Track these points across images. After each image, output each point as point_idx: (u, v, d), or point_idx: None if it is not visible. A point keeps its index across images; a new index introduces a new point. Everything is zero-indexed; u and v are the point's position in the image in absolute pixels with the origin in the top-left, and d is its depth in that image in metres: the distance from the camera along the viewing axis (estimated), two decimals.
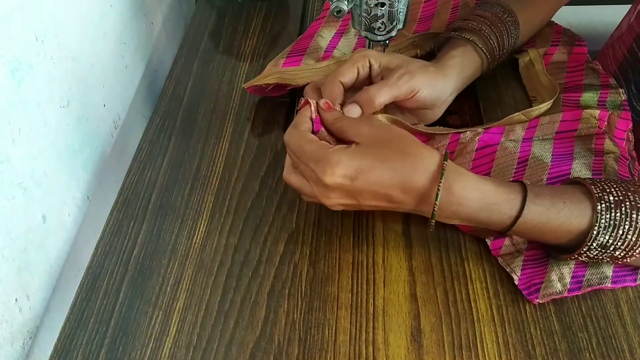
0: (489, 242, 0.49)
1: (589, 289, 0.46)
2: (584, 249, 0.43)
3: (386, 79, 0.51)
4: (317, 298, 0.47)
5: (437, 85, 0.53)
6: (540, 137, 0.56)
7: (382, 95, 0.50)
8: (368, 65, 0.52)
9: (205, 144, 0.60)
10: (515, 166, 0.53)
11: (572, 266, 0.47)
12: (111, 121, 0.65)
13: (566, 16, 0.69)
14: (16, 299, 0.47)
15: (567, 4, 0.65)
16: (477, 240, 0.50)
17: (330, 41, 0.67)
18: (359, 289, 0.47)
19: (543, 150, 0.54)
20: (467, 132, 0.55)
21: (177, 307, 0.47)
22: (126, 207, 0.54)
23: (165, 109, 0.64)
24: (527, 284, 0.47)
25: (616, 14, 0.74)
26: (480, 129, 0.56)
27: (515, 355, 0.43)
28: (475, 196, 0.44)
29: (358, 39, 0.68)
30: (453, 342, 0.44)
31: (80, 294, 0.48)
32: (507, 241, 0.49)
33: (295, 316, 0.46)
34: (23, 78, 0.47)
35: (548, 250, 0.48)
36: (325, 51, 0.65)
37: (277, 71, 0.62)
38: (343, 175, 0.42)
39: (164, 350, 0.44)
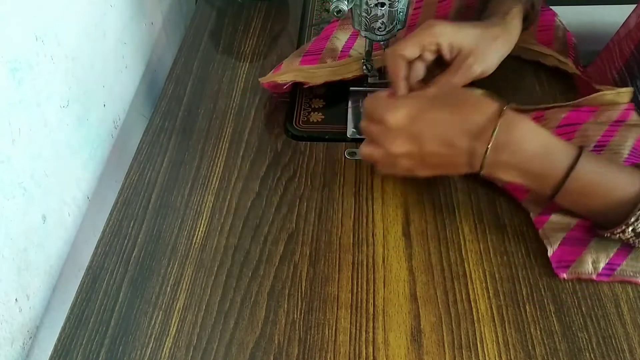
0: (533, 216, 0.49)
1: (619, 279, 0.46)
2: (632, 219, 0.43)
3: (453, 67, 0.53)
4: (317, 298, 0.47)
5: (502, 57, 0.55)
6: (631, 123, 0.54)
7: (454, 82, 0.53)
8: (435, 47, 0.53)
9: (205, 144, 0.60)
10: (590, 149, 0.52)
11: (611, 254, 0.46)
12: (111, 121, 0.65)
13: (566, 16, 0.69)
14: (16, 299, 0.47)
15: (567, 4, 0.65)
16: (477, 240, 0.50)
17: (345, 42, 0.68)
18: (359, 289, 0.47)
19: (624, 139, 0.52)
20: (555, 109, 0.55)
21: (177, 307, 0.47)
22: (126, 207, 0.54)
23: (165, 109, 0.64)
24: (559, 258, 0.47)
25: (617, 14, 0.74)
26: (568, 107, 0.55)
27: (515, 355, 0.43)
28: (534, 139, 0.44)
29: None
30: (453, 342, 0.44)
31: (80, 294, 0.48)
32: (553, 217, 0.49)
33: (295, 316, 0.46)
34: (23, 78, 0.47)
35: (594, 231, 0.47)
36: (341, 51, 0.66)
37: (295, 68, 0.62)
38: (406, 115, 0.46)
39: (164, 350, 0.44)
